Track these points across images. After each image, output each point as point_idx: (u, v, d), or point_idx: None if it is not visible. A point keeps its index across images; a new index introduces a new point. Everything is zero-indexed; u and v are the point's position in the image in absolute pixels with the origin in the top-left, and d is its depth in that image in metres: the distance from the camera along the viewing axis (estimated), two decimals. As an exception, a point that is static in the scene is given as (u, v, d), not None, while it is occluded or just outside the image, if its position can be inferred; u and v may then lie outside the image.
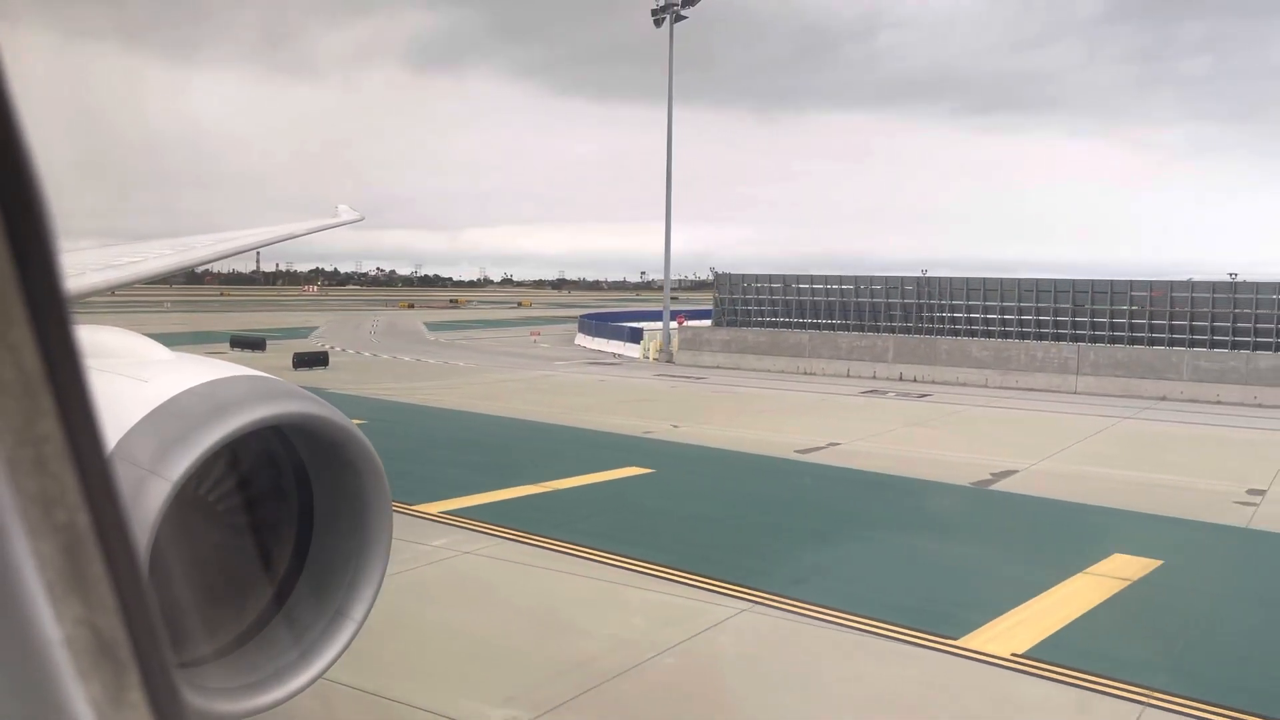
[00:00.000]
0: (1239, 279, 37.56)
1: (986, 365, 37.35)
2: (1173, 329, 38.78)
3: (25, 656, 0.91)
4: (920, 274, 46.10)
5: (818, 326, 46.26)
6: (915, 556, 14.00)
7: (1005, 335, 41.21)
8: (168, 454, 3.68)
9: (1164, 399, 32.89)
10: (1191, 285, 38.92)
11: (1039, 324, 41.64)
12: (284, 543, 4.55)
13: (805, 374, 40.45)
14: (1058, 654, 10.12)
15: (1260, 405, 31.37)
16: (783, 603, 11.56)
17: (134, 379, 4.10)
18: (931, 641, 10.48)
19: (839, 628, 10.87)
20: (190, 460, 3.71)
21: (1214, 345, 36.83)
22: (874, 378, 38.72)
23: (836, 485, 19.25)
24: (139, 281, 10.23)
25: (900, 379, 38.41)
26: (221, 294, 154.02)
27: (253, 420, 3.92)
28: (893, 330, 44.27)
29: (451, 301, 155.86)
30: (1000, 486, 18.93)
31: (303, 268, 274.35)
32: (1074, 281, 40.98)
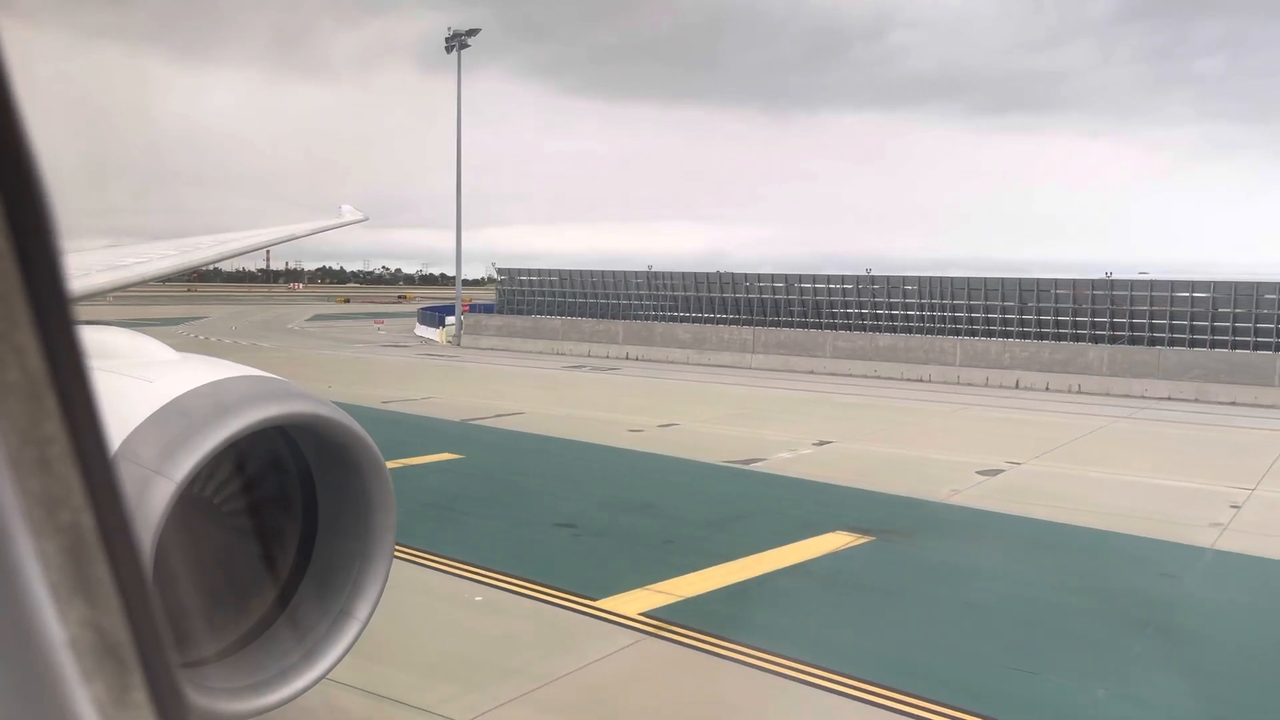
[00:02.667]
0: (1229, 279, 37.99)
1: (688, 345, 44.00)
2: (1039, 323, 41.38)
3: (29, 657, 0.91)
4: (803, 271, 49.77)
5: (582, 314, 52.33)
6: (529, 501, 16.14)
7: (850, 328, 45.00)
8: (172, 454, 3.69)
9: (812, 372, 39.39)
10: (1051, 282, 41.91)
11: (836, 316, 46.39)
12: (288, 543, 4.55)
13: (557, 354, 46.85)
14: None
15: (878, 376, 37.90)
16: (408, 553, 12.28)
17: (138, 379, 4.11)
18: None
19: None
20: (194, 461, 3.71)
21: (1059, 336, 39.70)
22: (607, 357, 45.12)
23: (489, 442, 21.97)
24: (143, 282, 10.25)
25: (626, 358, 44.75)
26: (188, 290, 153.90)
27: (257, 420, 3.92)
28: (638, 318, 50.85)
29: (400, 297, 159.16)
30: (635, 443, 22.13)
31: (310, 266, 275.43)
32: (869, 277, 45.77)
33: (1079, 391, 34.69)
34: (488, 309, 60.50)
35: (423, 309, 67.02)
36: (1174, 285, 37.52)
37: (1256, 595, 12.33)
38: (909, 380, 37.56)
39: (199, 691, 3.91)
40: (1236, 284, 36.30)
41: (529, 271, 57.60)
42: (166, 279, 11.58)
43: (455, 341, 52.90)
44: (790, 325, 45.27)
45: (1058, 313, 39.99)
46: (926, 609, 11.11)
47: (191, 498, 3.88)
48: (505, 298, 58.00)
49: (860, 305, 44.53)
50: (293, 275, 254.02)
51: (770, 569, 12.25)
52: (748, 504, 16.34)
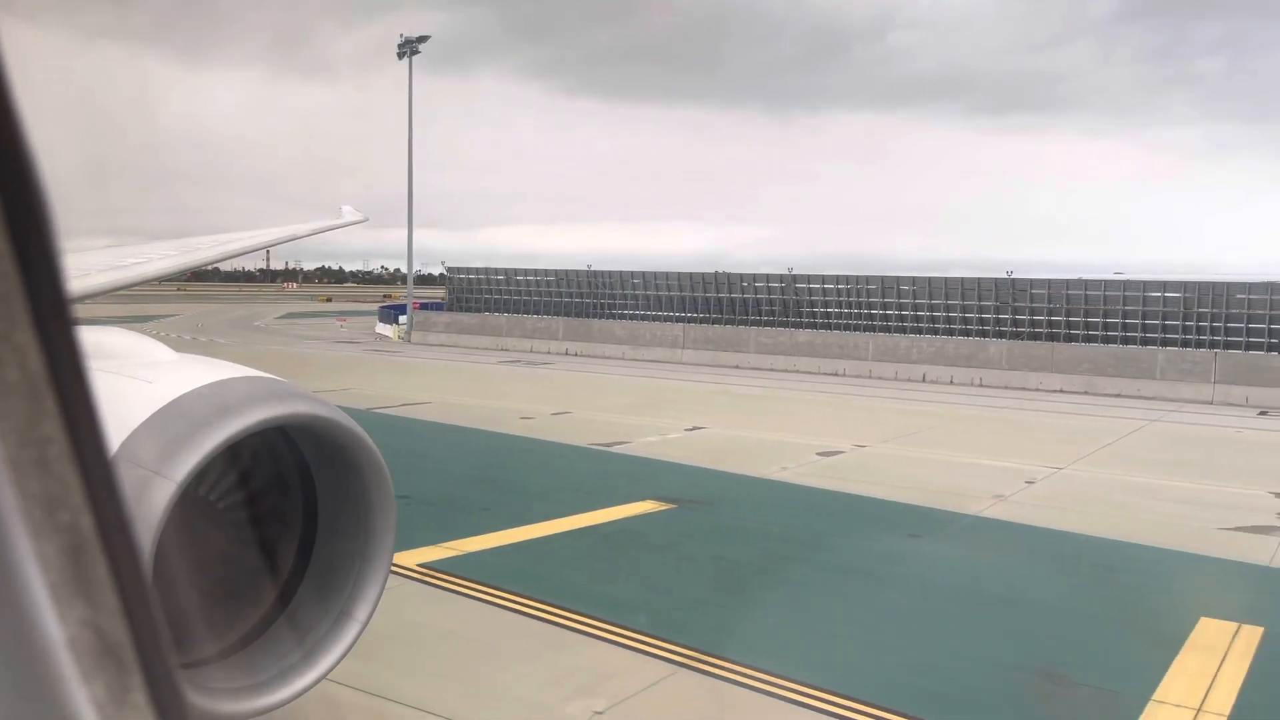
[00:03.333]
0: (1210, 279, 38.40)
1: (624, 341, 45.24)
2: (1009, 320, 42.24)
3: (29, 658, 0.91)
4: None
5: (527, 311, 53.95)
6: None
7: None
8: (172, 455, 3.69)
9: (737, 367, 40.86)
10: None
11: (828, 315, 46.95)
12: (288, 543, 4.55)
13: (500, 349, 48.12)
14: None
15: (796, 371, 39.41)
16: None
17: (138, 380, 4.11)
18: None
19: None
20: (194, 461, 3.71)
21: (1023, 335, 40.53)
22: (548, 353, 46.47)
23: (381, 426, 23.16)
24: (143, 282, 10.25)
25: (566, 353, 46.09)
26: (179, 289, 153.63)
27: (257, 421, 3.92)
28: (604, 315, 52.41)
29: (385, 296, 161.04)
30: (520, 430, 22.88)
31: (310, 266, 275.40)
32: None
33: (980, 384, 35.89)
34: (439, 307, 61.79)
35: (382, 307, 68.26)
36: (1146, 285, 38.19)
37: (976, 550, 13.58)
38: (825, 374, 38.87)
39: (199, 692, 3.91)
40: (1211, 284, 36.86)
41: (475, 270, 59.07)
42: (166, 279, 11.59)
43: (406, 338, 54.30)
44: (719, 322, 46.66)
45: (966, 309, 41.59)
46: (675, 560, 12.52)
47: (191, 498, 3.88)
48: (454, 295, 59.21)
49: (784, 303, 46.22)
50: (289, 275, 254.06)
51: (562, 530, 13.36)
52: (584, 479, 17.40)
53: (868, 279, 44.24)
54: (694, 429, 23.58)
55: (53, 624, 0.92)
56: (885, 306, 42.96)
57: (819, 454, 20.43)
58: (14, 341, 0.89)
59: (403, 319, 56.45)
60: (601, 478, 17.65)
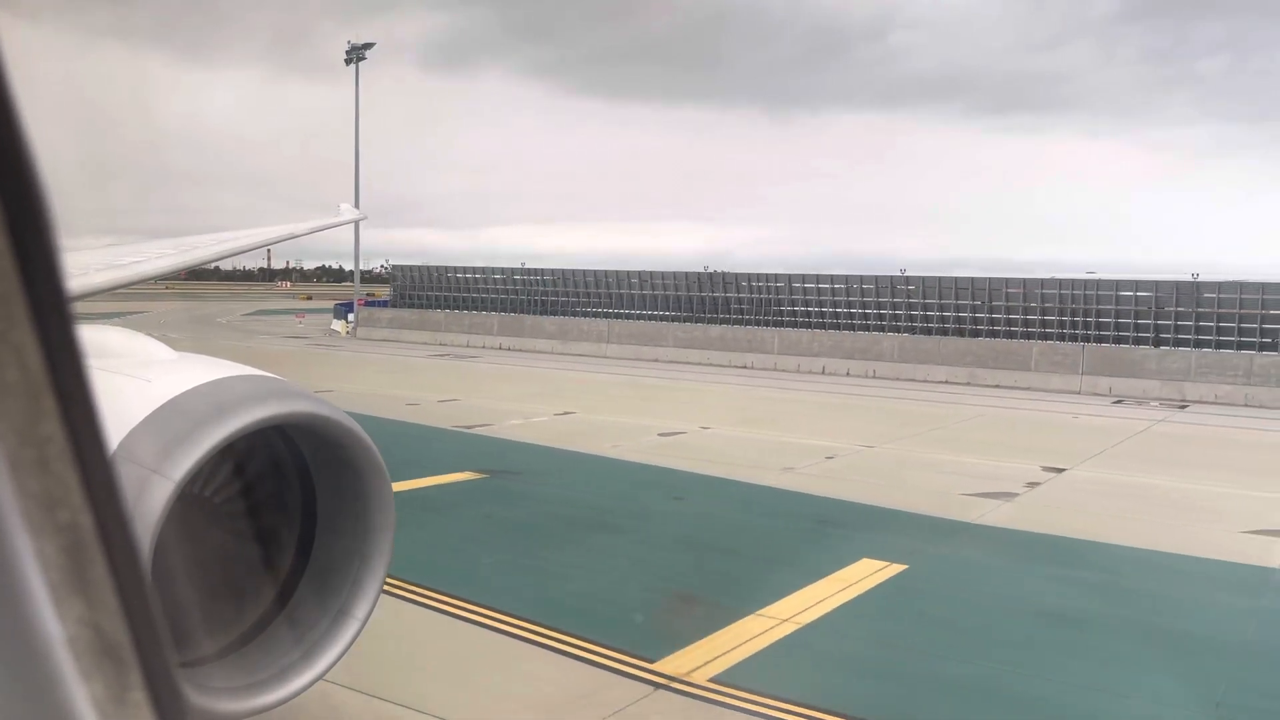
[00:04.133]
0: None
1: (554, 336, 47.96)
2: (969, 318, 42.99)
3: (27, 657, 0.91)
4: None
5: (476, 308, 55.29)
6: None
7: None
8: (170, 454, 3.69)
9: (656, 360, 42.96)
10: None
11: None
12: (287, 542, 4.55)
13: (439, 344, 50.13)
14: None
15: (710, 364, 41.63)
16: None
17: (137, 379, 4.11)
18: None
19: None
20: (193, 460, 3.71)
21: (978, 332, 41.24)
22: (483, 347, 48.75)
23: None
24: (142, 281, 10.24)
25: (500, 348, 48.64)
26: (165, 286, 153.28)
27: (255, 420, 3.92)
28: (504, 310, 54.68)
29: (369, 294, 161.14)
30: (400, 415, 23.69)
31: (310, 265, 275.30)
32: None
33: (874, 376, 37.80)
34: (342, 305, 63.77)
35: (337, 305, 69.62)
36: (1119, 284, 38.34)
37: (721, 509, 15.36)
38: (734, 367, 40.95)
39: (197, 691, 3.91)
40: (1177, 283, 36.99)
41: (417, 269, 60.68)
42: (165, 278, 11.58)
43: (352, 334, 56.35)
44: (642, 318, 48.53)
45: (863, 305, 43.04)
46: (457, 521, 13.81)
47: (190, 497, 3.88)
48: (399, 292, 60.25)
49: (702, 299, 47.90)
50: (288, 274, 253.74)
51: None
52: (426, 456, 18.27)
53: (775, 276, 45.95)
54: (564, 414, 24.79)
55: (52, 622, 0.92)
56: (793, 303, 44.57)
57: (660, 434, 21.78)
58: (13, 340, 0.89)
59: (352, 316, 58.57)
60: (443, 454, 18.68)
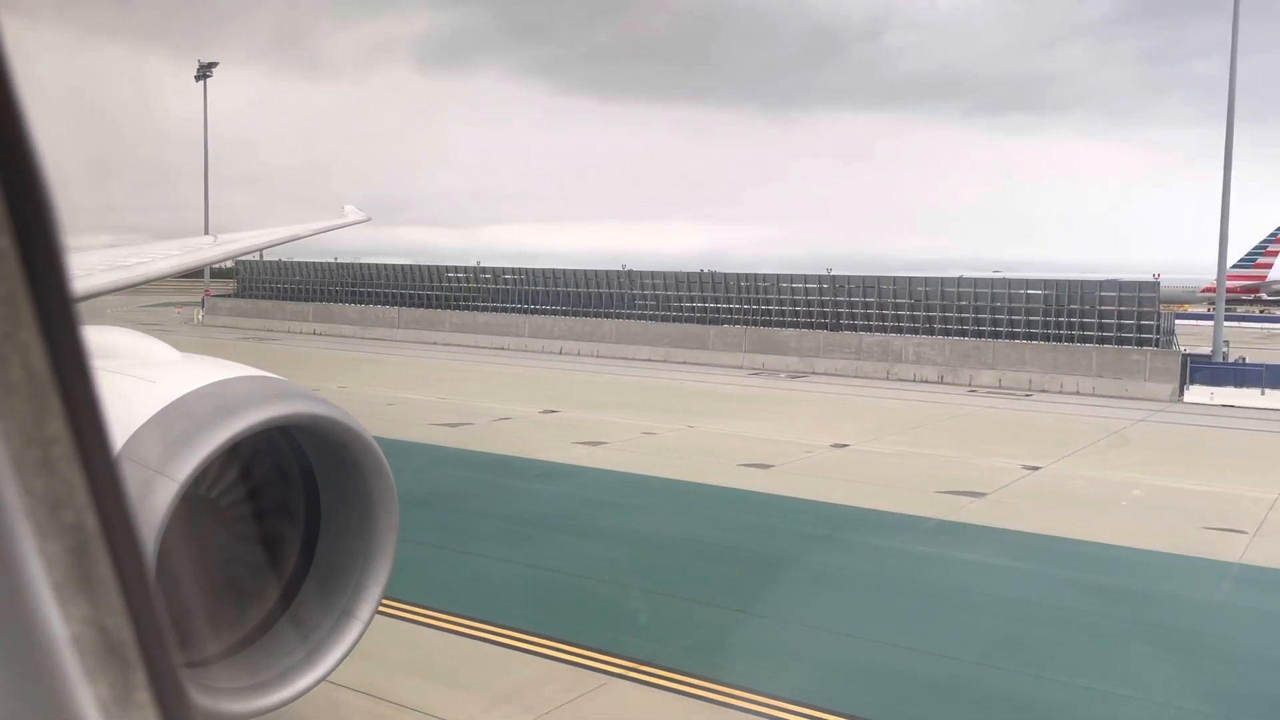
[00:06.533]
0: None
1: (355, 322, 54.01)
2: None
3: (33, 656, 0.91)
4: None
5: (300, 299, 60.19)
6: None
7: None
8: (175, 454, 3.69)
9: (434, 344, 48.49)
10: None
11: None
12: (290, 543, 4.55)
13: (267, 330, 55.14)
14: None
15: (477, 346, 47.35)
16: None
17: (141, 379, 4.11)
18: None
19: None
20: (197, 461, 3.71)
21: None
22: (300, 333, 54.20)
23: None
24: (146, 282, 10.26)
25: (314, 334, 54.02)
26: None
27: (259, 421, 3.92)
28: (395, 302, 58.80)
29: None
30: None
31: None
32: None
33: (598, 356, 43.90)
34: (214, 298, 68.56)
35: (205, 296, 74.50)
36: (1011, 283, 40.37)
37: (422, 471, 17.26)
38: (493, 349, 46.64)
39: (202, 691, 3.91)
40: (1069, 282, 38.74)
41: (256, 264, 64.64)
42: (169, 279, 11.59)
43: (200, 321, 62.77)
44: (424, 305, 54.45)
45: (599, 294, 48.63)
46: None
47: (194, 498, 3.89)
48: (242, 284, 64.78)
49: (478, 289, 53.53)
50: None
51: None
52: None
53: (531, 270, 52.07)
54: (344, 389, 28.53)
55: (57, 623, 0.92)
56: (547, 294, 50.41)
57: (336, 389, 26.06)
58: (18, 341, 0.89)
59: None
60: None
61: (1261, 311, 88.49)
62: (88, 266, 9.34)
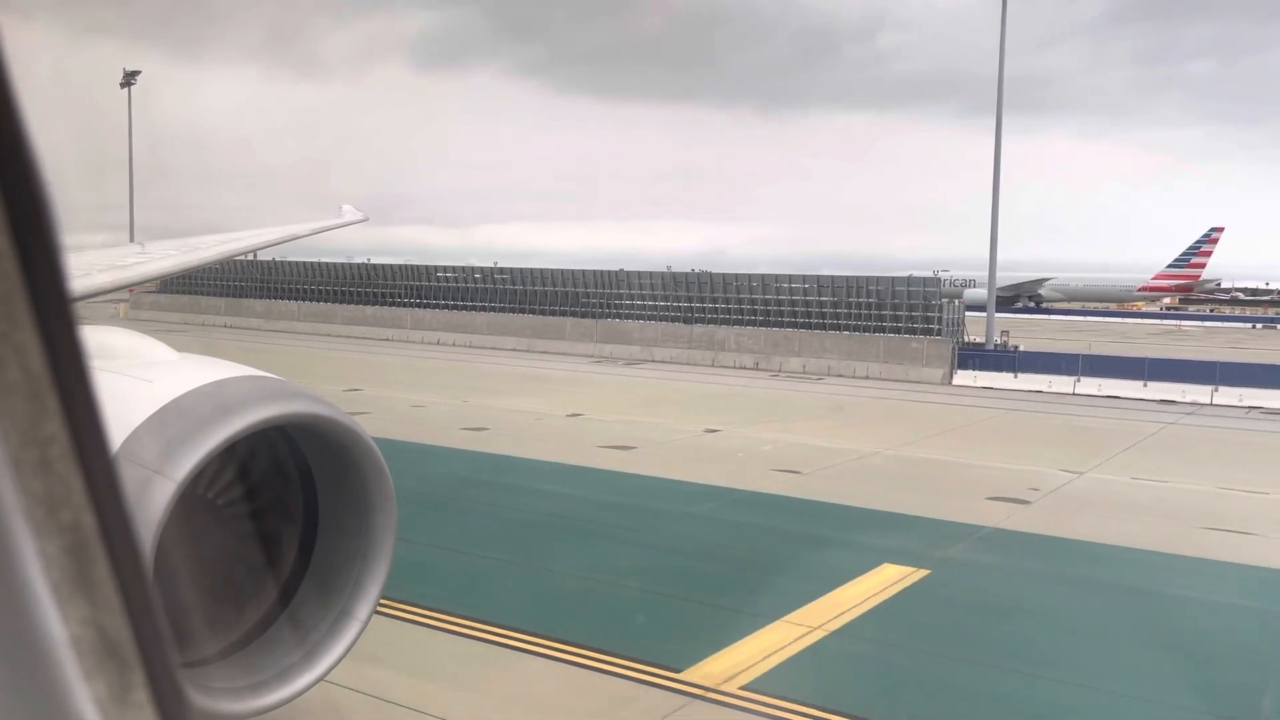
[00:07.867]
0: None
1: (260, 315, 57.57)
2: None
3: (31, 656, 0.91)
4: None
5: (216, 294, 63.28)
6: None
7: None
8: (172, 454, 3.69)
9: (329, 335, 51.92)
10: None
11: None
12: (288, 543, 4.55)
13: (184, 323, 57.92)
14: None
15: (365, 338, 51.01)
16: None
17: (139, 379, 4.11)
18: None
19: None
20: (195, 461, 3.71)
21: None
22: (213, 325, 57.27)
23: None
24: (144, 282, 10.25)
25: (225, 326, 57.20)
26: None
27: (257, 420, 3.92)
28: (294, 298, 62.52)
29: None
30: None
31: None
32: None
33: (470, 346, 46.98)
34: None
35: (130, 293, 74.97)
36: (819, 278, 43.51)
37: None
38: (379, 340, 50.10)
39: (200, 691, 3.91)
40: (868, 278, 41.96)
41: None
42: (167, 278, 11.60)
43: (126, 315, 64.11)
44: (323, 301, 58.20)
45: (479, 290, 51.95)
46: None
47: (192, 497, 3.88)
48: (164, 281, 68.14)
49: (369, 287, 57.03)
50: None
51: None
52: None
53: (416, 267, 55.55)
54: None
55: (55, 622, 0.92)
56: (434, 290, 53.35)
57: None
58: (16, 341, 0.89)
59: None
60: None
61: (1212, 310, 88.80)
62: (87, 266, 9.34)
